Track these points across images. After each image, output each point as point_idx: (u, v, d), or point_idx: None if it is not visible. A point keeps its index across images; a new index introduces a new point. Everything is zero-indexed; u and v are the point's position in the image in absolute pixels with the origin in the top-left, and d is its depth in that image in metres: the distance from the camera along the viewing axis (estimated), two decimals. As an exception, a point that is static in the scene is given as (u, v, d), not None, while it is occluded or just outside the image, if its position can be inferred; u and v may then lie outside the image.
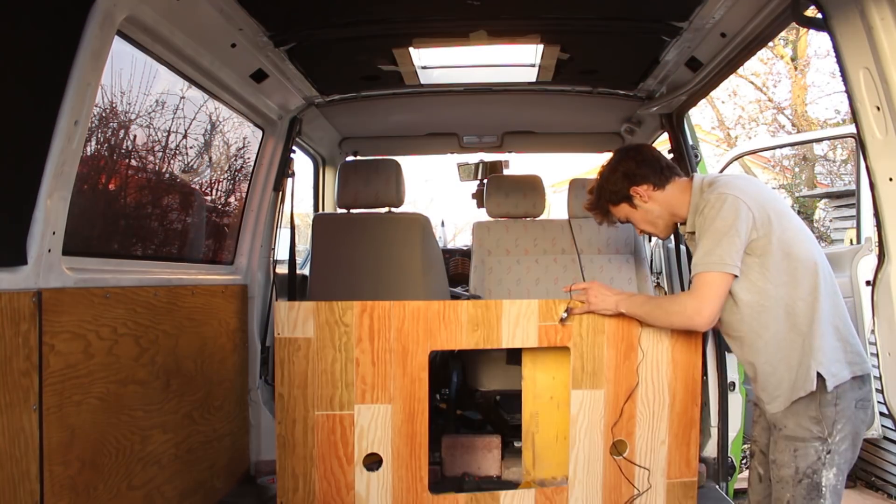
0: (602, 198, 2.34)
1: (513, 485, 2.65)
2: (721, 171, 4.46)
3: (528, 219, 3.80)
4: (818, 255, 2.04)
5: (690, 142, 3.21)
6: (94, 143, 2.14)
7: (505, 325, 2.39)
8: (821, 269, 2.02)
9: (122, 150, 2.34)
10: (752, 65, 12.48)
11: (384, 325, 2.37)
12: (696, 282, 2.05)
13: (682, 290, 3.19)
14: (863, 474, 4.78)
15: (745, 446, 3.27)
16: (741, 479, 3.15)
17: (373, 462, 2.41)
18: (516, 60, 3.12)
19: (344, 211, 3.42)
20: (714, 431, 2.90)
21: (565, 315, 2.39)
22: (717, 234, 1.99)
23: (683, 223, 2.25)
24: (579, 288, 2.41)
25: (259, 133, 3.07)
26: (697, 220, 2.10)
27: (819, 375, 1.98)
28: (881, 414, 3.84)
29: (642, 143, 2.52)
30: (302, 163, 4.11)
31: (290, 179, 3.17)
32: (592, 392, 2.42)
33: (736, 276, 2.01)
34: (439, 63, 3.17)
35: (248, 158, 3.10)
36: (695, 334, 2.45)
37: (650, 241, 4.39)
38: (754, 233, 2.00)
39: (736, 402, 2.94)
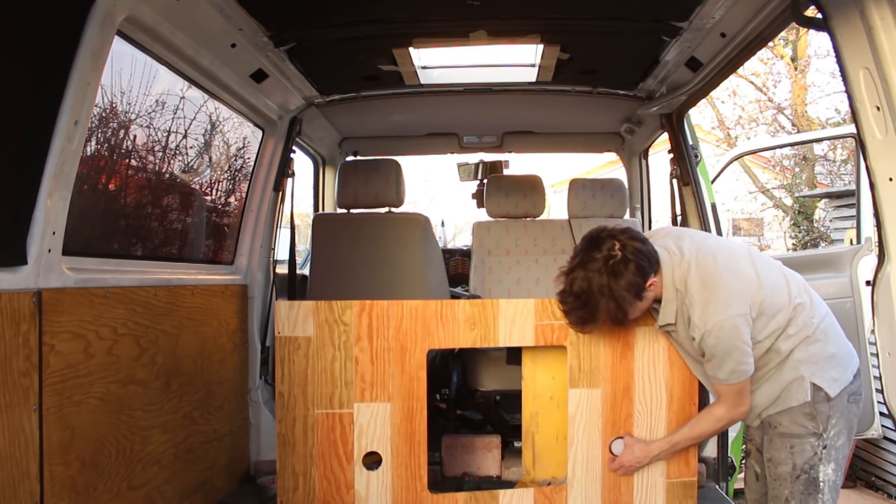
0: (613, 309, 2.06)
1: (512, 484, 2.65)
2: (721, 172, 4.46)
3: (528, 219, 3.80)
4: (794, 291, 2.11)
5: (690, 142, 3.20)
6: (94, 143, 2.14)
7: (502, 324, 2.40)
8: (794, 307, 2.09)
9: (122, 150, 2.34)
10: (752, 65, 12.50)
11: (383, 323, 2.38)
12: (729, 391, 2.14)
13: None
14: (863, 474, 4.78)
15: (745, 446, 3.27)
16: (741, 479, 3.15)
17: (372, 462, 2.41)
18: (516, 60, 3.12)
19: (344, 211, 3.42)
20: (714, 431, 2.90)
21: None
22: (732, 353, 2.05)
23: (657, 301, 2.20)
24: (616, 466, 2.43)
25: (259, 133, 3.07)
26: (700, 346, 2.11)
27: (814, 385, 2.06)
28: (881, 414, 3.84)
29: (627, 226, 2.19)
30: (302, 163, 4.11)
31: (290, 179, 3.17)
32: (590, 391, 2.42)
33: None
34: (439, 63, 3.17)
35: (248, 158, 3.10)
36: None
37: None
38: (751, 326, 2.07)
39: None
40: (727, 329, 2.03)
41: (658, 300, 2.18)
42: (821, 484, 2.02)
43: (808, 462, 2.04)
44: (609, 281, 2.01)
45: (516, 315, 2.40)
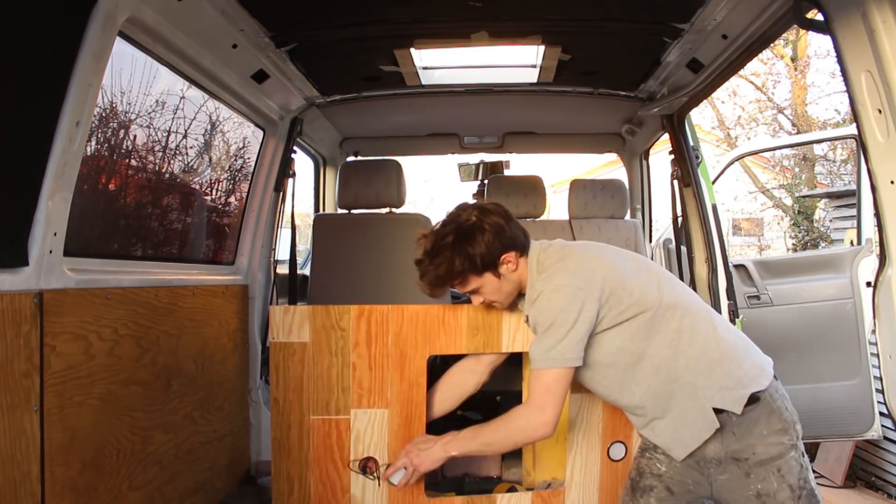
0: (459, 265, 1.95)
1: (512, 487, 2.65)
2: (721, 172, 4.46)
3: (529, 219, 3.80)
4: (678, 297, 1.95)
5: (691, 143, 3.21)
6: (95, 143, 2.14)
7: (505, 330, 2.37)
8: (681, 311, 1.92)
9: (124, 151, 2.34)
10: (752, 65, 12.48)
11: (382, 329, 2.35)
12: (536, 382, 1.92)
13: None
14: (863, 474, 4.78)
15: None
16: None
17: (366, 466, 2.40)
18: (517, 61, 3.12)
19: (345, 211, 3.42)
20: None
21: (395, 482, 2.20)
22: (557, 328, 1.87)
23: (522, 295, 2.09)
24: (398, 466, 2.20)
25: (260, 133, 3.07)
26: (531, 311, 1.96)
27: (752, 394, 1.88)
28: (881, 414, 3.84)
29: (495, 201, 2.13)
30: (303, 163, 4.11)
31: (290, 180, 3.17)
32: (590, 395, 2.41)
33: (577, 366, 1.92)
34: (440, 64, 3.17)
35: (249, 159, 3.10)
36: None
37: (650, 241, 4.39)
38: (600, 312, 1.89)
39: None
40: (563, 294, 1.86)
41: (523, 294, 2.08)
42: (815, 491, 1.91)
43: (800, 476, 1.88)
44: (461, 242, 1.95)
45: (520, 321, 2.39)
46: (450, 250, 1.96)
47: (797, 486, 1.88)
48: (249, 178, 3.07)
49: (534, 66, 3.06)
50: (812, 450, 4.83)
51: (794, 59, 12.69)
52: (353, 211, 3.39)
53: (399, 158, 3.50)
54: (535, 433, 1.95)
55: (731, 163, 4.72)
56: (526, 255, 2.04)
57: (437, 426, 3.10)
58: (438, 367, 3.24)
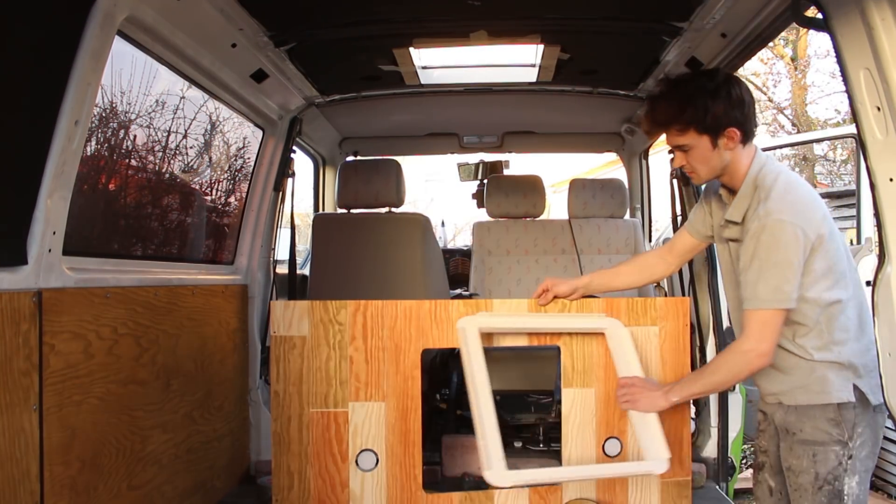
0: (687, 117, 1.91)
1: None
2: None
3: (529, 219, 3.80)
4: (854, 279, 1.95)
5: (691, 142, 3.20)
6: (94, 142, 2.14)
7: None
8: (855, 299, 1.93)
9: (123, 150, 2.35)
10: (753, 64, 12.50)
11: (377, 323, 2.38)
12: (757, 319, 1.89)
13: (683, 291, 3.19)
14: (863, 474, 4.79)
15: (745, 446, 3.27)
16: (741, 480, 3.15)
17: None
18: (516, 60, 3.12)
19: (344, 211, 3.42)
20: (714, 431, 2.89)
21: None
22: (782, 267, 1.83)
23: (726, 190, 2.04)
24: (626, 384, 2.22)
25: (259, 133, 3.07)
26: (749, 243, 1.89)
27: (856, 388, 1.88)
28: (881, 414, 3.84)
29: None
30: (302, 163, 4.11)
31: (290, 179, 3.17)
32: (583, 390, 2.42)
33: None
34: (440, 63, 3.17)
35: (248, 158, 3.10)
36: (682, 330, 2.45)
37: (650, 240, 4.39)
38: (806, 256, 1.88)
39: (736, 402, 2.93)
40: (788, 234, 1.81)
41: (733, 191, 2.01)
42: (845, 497, 1.87)
43: (832, 472, 1.87)
44: (708, 93, 1.91)
45: (510, 314, 2.40)
46: (696, 91, 1.92)
47: (823, 479, 1.87)
48: (249, 178, 3.07)
49: (533, 66, 3.06)
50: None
51: (794, 59, 12.71)
52: (353, 210, 3.39)
53: (399, 158, 3.50)
54: (758, 362, 1.91)
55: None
56: (746, 144, 1.96)
57: (437, 425, 3.11)
58: (438, 364, 3.26)
